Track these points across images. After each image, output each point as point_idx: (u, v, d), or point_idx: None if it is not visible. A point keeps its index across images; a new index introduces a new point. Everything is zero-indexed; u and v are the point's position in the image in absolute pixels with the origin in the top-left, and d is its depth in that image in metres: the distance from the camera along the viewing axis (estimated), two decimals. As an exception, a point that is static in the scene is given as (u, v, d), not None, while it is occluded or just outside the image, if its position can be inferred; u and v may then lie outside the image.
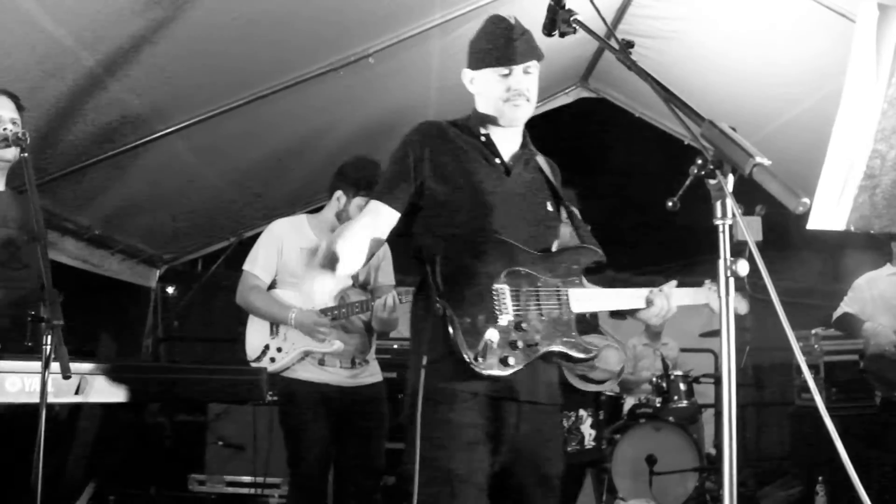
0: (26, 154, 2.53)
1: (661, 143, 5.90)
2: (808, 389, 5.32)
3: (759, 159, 1.17)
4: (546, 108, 5.86)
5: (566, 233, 2.34)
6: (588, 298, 2.11)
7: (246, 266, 3.44)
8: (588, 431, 3.52)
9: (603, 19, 1.65)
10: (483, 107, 2.23)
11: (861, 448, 4.52)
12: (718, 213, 1.25)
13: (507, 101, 2.16)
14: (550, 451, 2.13)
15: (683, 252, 7.19)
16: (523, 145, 2.28)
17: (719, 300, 2.36)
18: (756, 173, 1.16)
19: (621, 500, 4.67)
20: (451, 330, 1.88)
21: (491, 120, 2.22)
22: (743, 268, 1.25)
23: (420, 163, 2.14)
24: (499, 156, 2.21)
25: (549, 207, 2.25)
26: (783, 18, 4.10)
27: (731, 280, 1.26)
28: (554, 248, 2.23)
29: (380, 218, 2.16)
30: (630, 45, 1.47)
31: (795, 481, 5.58)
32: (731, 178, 1.24)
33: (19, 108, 2.91)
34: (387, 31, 4.12)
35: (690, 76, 4.92)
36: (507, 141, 2.25)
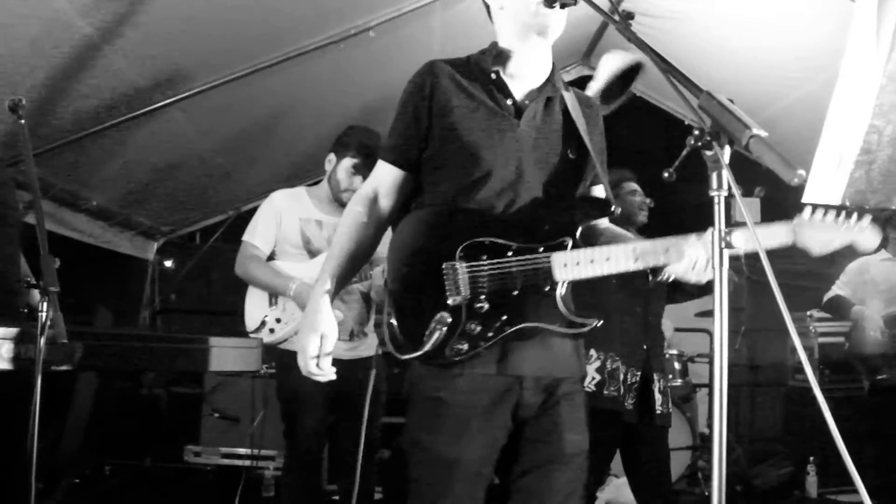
0: (23, 121, 2.51)
1: (662, 123, 5.89)
2: (801, 370, 5.35)
3: (755, 131, 1.17)
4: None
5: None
6: (579, 262, 1.75)
7: (245, 237, 3.44)
8: (657, 397, 3.51)
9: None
10: (509, 26, 1.89)
11: (852, 429, 4.56)
12: (714, 184, 1.24)
13: (542, 3, 1.79)
14: (567, 427, 1.83)
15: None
16: (548, 80, 1.93)
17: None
18: (752, 145, 1.16)
19: (614, 477, 4.70)
20: (385, 318, 1.74)
21: (520, 36, 1.88)
22: (738, 239, 1.25)
23: (422, 108, 1.86)
24: (510, 96, 1.88)
25: (571, 155, 1.90)
26: (787, 2, 4.08)
27: (725, 251, 1.26)
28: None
29: (377, 177, 1.92)
30: (630, 16, 1.46)
31: (786, 461, 5.63)
32: (727, 150, 1.23)
33: None
34: (388, 5, 4.10)
35: (693, 57, 4.89)
36: (530, 72, 1.92)
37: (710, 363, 5.56)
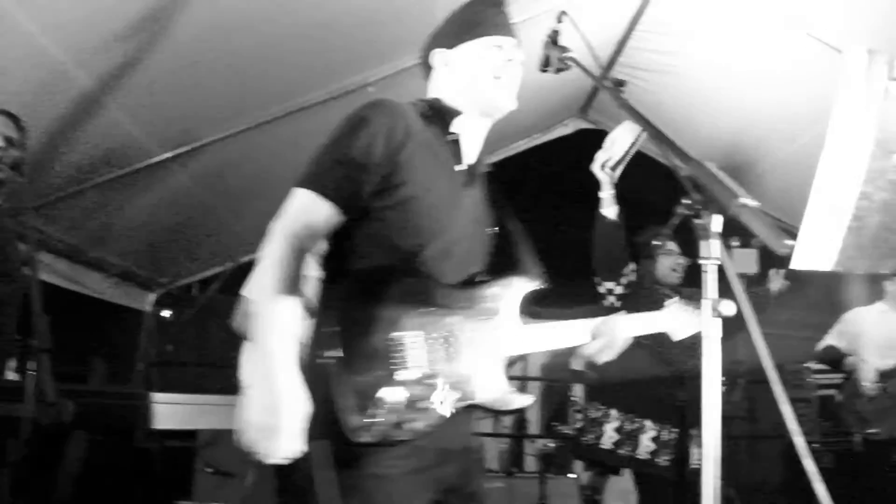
0: (23, 178, 2.54)
1: (658, 173, 5.93)
2: (799, 423, 5.29)
3: (744, 200, 1.18)
4: (545, 138, 5.92)
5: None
6: (520, 338, 1.78)
7: (245, 291, 3.43)
8: (694, 452, 3.53)
9: (595, 59, 1.67)
10: (458, 91, 1.84)
11: (853, 482, 4.49)
12: (704, 252, 1.25)
13: (498, 80, 1.79)
14: (479, 483, 1.82)
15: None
16: (481, 151, 1.91)
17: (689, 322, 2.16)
18: (741, 214, 1.17)
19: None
20: (334, 391, 1.50)
21: (466, 109, 1.83)
22: (727, 308, 1.25)
23: (389, 153, 1.66)
24: (462, 162, 1.83)
25: (496, 230, 1.93)
26: (781, 56, 4.15)
27: (718, 321, 1.26)
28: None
29: (311, 214, 1.64)
30: (621, 83, 1.49)
31: (789, 515, 5.54)
32: (718, 219, 1.24)
33: (19, 128, 2.89)
34: (387, 61, 4.15)
35: (688, 110, 4.96)
36: (472, 141, 1.87)
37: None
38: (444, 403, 1.61)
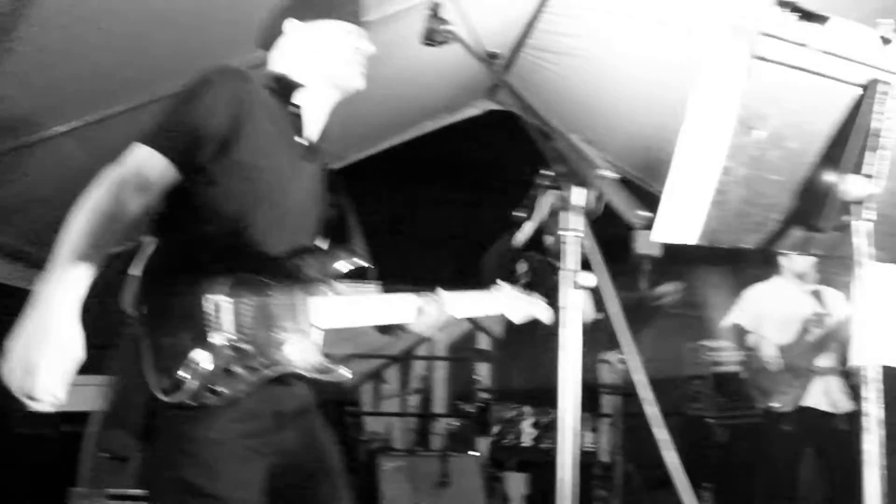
0: None
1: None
2: (696, 399, 5.50)
3: (603, 171, 1.20)
4: (453, 119, 5.92)
5: None
6: (334, 311, 1.78)
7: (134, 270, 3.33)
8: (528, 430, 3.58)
9: (471, 32, 1.68)
10: (306, 62, 1.88)
11: (747, 456, 4.68)
12: (564, 224, 1.25)
13: (351, 64, 1.88)
14: (325, 441, 1.85)
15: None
16: (324, 130, 1.95)
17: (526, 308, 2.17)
18: (598, 185, 1.19)
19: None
20: (142, 351, 1.55)
21: (312, 81, 1.87)
22: (586, 279, 1.27)
23: (231, 117, 1.69)
24: (302, 135, 1.87)
25: (332, 209, 1.97)
26: (691, 43, 4.23)
27: (579, 293, 1.27)
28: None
29: (144, 166, 1.62)
30: (494, 56, 1.50)
31: (684, 487, 5.73)
32: (580, 191, 1.25)
33: None
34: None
35: (595, 93, 5.04)
36: (315, 116, 1.91)
37: (611, 393, 5.64)
38: (255, 371, 1.63)
